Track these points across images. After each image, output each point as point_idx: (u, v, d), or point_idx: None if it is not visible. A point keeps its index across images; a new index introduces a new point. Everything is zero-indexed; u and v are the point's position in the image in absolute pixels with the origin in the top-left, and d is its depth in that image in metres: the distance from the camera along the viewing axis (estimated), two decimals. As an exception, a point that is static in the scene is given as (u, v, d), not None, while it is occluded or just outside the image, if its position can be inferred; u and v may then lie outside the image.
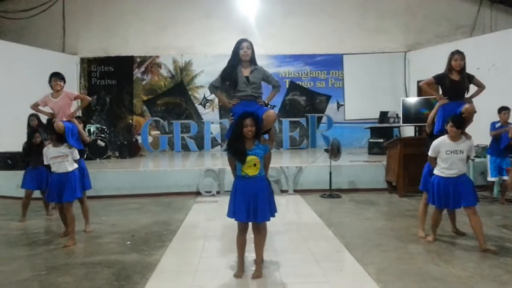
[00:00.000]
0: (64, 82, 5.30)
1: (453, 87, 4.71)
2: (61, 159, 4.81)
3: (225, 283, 3.60)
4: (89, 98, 5.99)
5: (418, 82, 11.88)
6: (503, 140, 6.69)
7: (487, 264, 3.90)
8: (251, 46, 4.00)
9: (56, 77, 5.23)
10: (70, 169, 4.84)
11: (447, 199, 4.37)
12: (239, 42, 4.02)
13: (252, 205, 3.55)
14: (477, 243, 4.35)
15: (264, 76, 4.12)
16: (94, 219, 5.87)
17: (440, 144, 4.40)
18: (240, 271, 3.70)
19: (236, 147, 3.60)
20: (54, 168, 4.84)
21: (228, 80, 4.04)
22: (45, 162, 4.91)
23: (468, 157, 4.40)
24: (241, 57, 3.98)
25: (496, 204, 6.69)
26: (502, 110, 6.73)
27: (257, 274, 3.65)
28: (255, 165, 3.57)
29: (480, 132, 8.74)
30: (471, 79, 4.78)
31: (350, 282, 3.57)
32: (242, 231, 3.70)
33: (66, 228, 5.12)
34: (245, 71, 4.00)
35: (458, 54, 4.73)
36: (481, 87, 4.89)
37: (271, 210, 3.65)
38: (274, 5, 12.19)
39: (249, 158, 3.55)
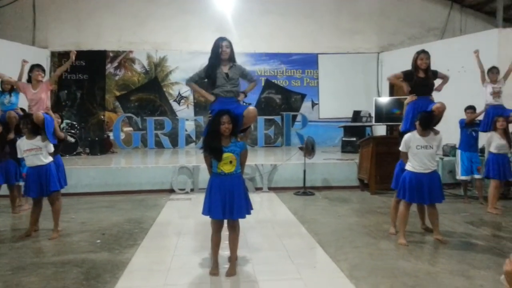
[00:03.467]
0: (44, 73, 5.27)
1: (420, 84, 4.87)
2: (34, 151, 4.67)
3: (198, 281, 3.56)
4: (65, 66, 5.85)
5: (391, 82, 12.19)
6: (473, 136, 6.90)
7: (455, 259, 4.01)
8: (230, 45, 4.03)
9: (39, 68, 5.17)
10: (46, 161, 4.73)
11: (420, 194, 4.47)
12: (218, 41, 4.02)
13: (228, 202, 3.52)
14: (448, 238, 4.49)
15: (241, 73, 4.15)
16: (64, 217, 5.66)
17: (410, 139, 4.51)
18: (215, 269, 3.67)
19: (212, 144, 3.56)
20: (28, 162, 4.70)
21: (209, 78, 4.06)
22: (19, 155, 4.76)
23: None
24: (220, 56, 3.98)
25: (474, 200, 6.89)
26: (468, 109, 6.96)
27: (231, 272, 3.63)
28: (231, 162, 3.55)
29: (449, 131, 9.01)
30: (435, 74, 4.99)
31: (323, 279, 3.60)
32: (217, 229, 3.67)
33: (31, 227, 4.95)
34: (224, 68, 4.04)
35: (423, 53, 4.94)
36: (445, 78, 5.15)
37: (247, 208, 3.64)
38: (251, 3, 12.15)
39: (225, 155, 3.53)
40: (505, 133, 6.16)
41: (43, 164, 4.72)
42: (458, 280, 3.50)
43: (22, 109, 6.30)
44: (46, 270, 3.81)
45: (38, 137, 4.74)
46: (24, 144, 4.70)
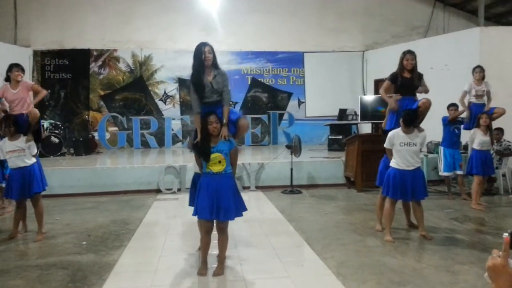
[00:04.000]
0: (24, 73, 5.14)
1: (405, 84, 4.96)
2: (17, 153, 4.59)
3: (186, 281, 3.55)
4: (45, 92, 5.63)
5: (375, 80, 12.32)
6: (456, 133, 7.01)
7: (440, 255, 4.08)
8: (212, 50, 3.87)
9: (17, 67, 5.05)
10: (29, 162, 4.66)
11: (403, 191, 4.53)
12: (199, 47, 3.84)
13: (216, 203, 3.49)
14: (433, 235, 4.56)
15: (224, 82, 3.92)
16: (48, 219, 5.60)
17: (394, 136, 4.58)
18: (203, 269, 3.66)
19: (200, 145, 3.55)
20: (11, 164, 4.63)
21: (197, 85, 3.84)
22: (1, 157, 4.69)
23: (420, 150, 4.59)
24: (204, 62, 3.83)
25: (452, 197, 6.99)
26: (450, 106, 7.07)
27: (218, 271, 3.63)
28: (220, 162, 3.54)
29: (432, 129, 9.12)
30: (421, 77, 5.04)
31: (311, 276, 3.62)
32: (207, 231, 3.61)
33: (15, 230, 4.87)
34: (209, 77, 3.87)
35: (409, 54, 5.02)
36: (425, 88, 5.19)
37: (237, 209, 3.59)
38: (237, 1, 12.11)
39: (213, 155, 3.51)
40: (488, 129, 6.27)
41: (27, 165, 4.65)
42: (443, 275, 3.56)
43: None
44: (31, 273, 3.75)
45: (21, 138, 4.66)
46: (6, 146, 4.62)
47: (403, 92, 4.98)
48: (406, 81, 4.95)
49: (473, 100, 7.01)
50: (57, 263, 4.00)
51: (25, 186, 4.64)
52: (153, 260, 4.06)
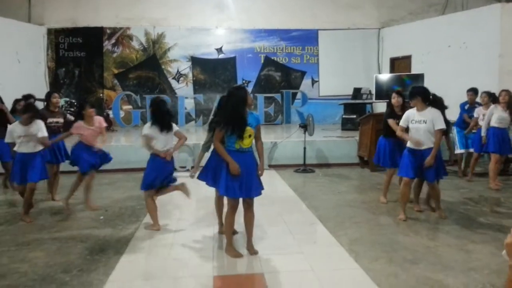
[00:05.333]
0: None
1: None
2: (29, 138, 4.63)
3: (201, 255, 3.62)
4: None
5: (391, 59, 12.10)
6: (469, 117, 6.93)
7: (454, 234, 4.07)
8: None
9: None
10: (36, 149, 4.69)
11: (416, 170, 4.48)
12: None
13: (245, 181, 3.43)
14: (447, 214, 4.56)
15: None
16: (66, 195, 5.75)
17: (409, 115, 4.56)
18: (234, 250, 3.60)
19: (237, 117, 3.39)
20: (20, 148, 4.63)
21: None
22: (9, 140, 4.68)
23: (442, 130, 4.39)
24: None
25: (463, 178, 6.93)
26: (469, 91, 6.95)
27: (254, 250, 3.62)
28: (250, 136, 3.46)
29: (451, 108, 9.00)
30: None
31: (323, 253, 3.66)
32: (234, 209, 3.55)
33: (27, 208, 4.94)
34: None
35: (395, 93, 5.30)
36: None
37: (261, 185, 3.58)
38: (250, -23, 11.92)
39: (246, 128, 3.43)
40: (508, 107, 6.11)
41: (33, 152, 4.67)
42: (456, 253, 3.56)
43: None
44: (50, 245, 3.87)
45: (34, 124, 4.68)
46: (19, 130, 4.61)
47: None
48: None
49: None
50: (76, 236, 4.11)
51: (27, 172, 4.61)
52: (168, 234, 4.15)
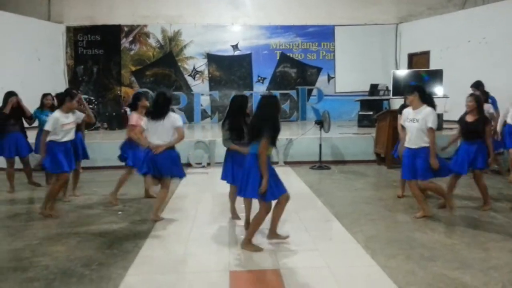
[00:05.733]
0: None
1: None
2: (72, 125, 4.78)
3: (216, 250, 3.66)
4: None
5: (409, 55, 11.94)
6: None
7: (472, 232, 4.02)
8: None
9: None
10: (74, 136, 4.88)
11: (408, 170, 4.46)
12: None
13: (274, 184, 3.58)
14: (459, 213, 4.55)
15: None
16: (85, 190, 5.89)
17: (404, 113, 4.56)
18: (256, 246, 3.68)
19: (277, 127, 3.56)
20: (60, 136, 4.61)
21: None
22: (50, 128, 4.57)
23: (431, 128, 4.24)
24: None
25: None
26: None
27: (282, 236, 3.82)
28: None
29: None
30: None
31: (339, 249, 3.66)
32: (269, 210, 3.66)
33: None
34: None
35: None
36: None
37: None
38: (265, -26, 11.90)
39: None
40: None
41: (73, 138, 4.85)
42: (475, 251, 3.52)
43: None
44: (70, 240, 3.96)
45: (74, 112, 4.84)
46: (63, 119, 4.63)
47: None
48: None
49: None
50: (95, 231, 4.20)
51: (70, 159, 4.77)
52: (185, 230, 4.20)
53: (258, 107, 3.64)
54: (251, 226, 3.74)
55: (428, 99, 4.43)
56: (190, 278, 3.18)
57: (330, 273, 3.16)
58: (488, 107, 6.16)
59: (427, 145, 4.28)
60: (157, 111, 4.39)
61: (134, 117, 5.04)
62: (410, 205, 4.96)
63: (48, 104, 5.99)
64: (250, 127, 3.71)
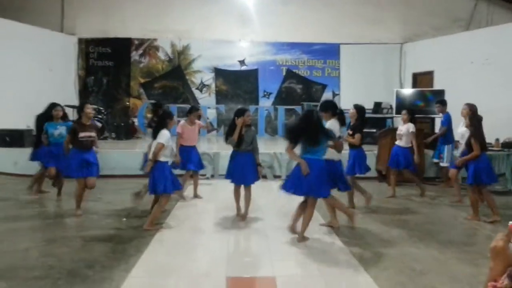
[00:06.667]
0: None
1: None
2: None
3: (215, 256, 3.79)
4: None
5: (414, 74, 12.11)
6: None
7: (465, 248, 4.11)
8: None
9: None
10: None
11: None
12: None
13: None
14: (461, 229, 4.59)
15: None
16: (91, 197, 6.04)
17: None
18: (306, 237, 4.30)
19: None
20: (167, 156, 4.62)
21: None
22: (166, 143, 4.51)
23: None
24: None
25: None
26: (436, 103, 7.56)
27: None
28: None
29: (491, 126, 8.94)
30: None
31: (333, 260, 3.79)
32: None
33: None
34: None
35: None
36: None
37: None
38: (273, -8, 12.21)
39: None
40: None
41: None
42: (466, 267, 3.62)
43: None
44: (75, 243, 4.12)
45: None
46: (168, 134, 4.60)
47: None
48: None
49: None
50: (99, 236, 4.35)
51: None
52: (187, 237, 4.34)
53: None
54: (304, 223, 4.26)
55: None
56: (189, 283, 3.31)
57: (323, 282, 3.27)
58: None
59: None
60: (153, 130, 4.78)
61: (182, 125, 6.04)
62: (405, 221, 5.07)
63: (58, 116, 5.88)
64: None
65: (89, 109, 5.27)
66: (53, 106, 5.91)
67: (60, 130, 5.82)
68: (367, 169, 5.96)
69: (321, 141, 4.26)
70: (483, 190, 5.09)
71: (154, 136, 4.57)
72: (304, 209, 4.29)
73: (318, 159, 4.24)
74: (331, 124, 4.90)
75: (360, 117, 5.84)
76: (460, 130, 5.89)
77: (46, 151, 5.88)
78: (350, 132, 5.74)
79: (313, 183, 4.12)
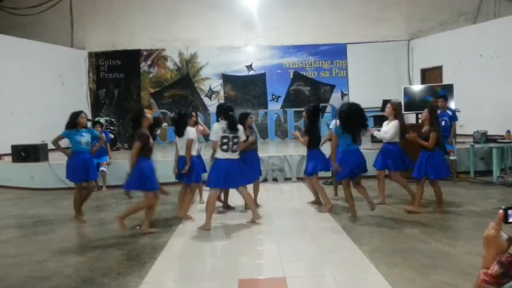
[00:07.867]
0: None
1: None
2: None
3: (227, 259, 3.86)
4: None
5: (422, 70, 12.05)
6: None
7: (475, 242, 4.08)
8: None
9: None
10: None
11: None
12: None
13: None
14: (472, 223, 4.58)
15: None
16: (105, 207, 6.18)
17: None
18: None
19: None
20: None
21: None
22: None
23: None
24: None
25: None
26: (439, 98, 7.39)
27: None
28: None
29: (483, 118, 8.86)
30: None
31: (344, 259, 3.82)
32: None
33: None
34: None
35: None
36: None
37: None
38: (276, -4, 12.31)
39: None
40: None
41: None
42: (476, 260, 3.57)
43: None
44: (91, 252, 4.23)
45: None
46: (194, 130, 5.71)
47: None
48: None
49: None
50: (114, 244, 4.46)
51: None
52: (199, 244, 4.42)
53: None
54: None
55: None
56: (201, 286, 3.38)
57: (334, 281, 3.31)
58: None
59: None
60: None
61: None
62: (417, 218, 5.06)
63: (84, 123, 5.64)
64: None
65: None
66: (78, 113, 5.58)
67: (86, 137, 5.56)
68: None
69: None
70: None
71: (179, 135, 5.65)
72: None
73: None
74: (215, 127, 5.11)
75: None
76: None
77: (74, 166, 5.43)
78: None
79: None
